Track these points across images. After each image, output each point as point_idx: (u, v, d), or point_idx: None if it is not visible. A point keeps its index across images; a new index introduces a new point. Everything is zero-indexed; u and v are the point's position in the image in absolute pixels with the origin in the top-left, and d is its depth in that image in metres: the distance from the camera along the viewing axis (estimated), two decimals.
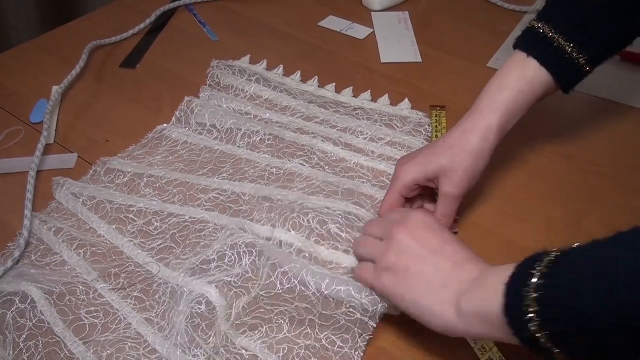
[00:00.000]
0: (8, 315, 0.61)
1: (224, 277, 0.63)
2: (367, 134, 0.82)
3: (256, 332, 0.61)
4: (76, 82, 0.94)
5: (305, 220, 0.68)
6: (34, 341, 0.61)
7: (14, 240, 0.71)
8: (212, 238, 0.70)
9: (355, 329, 0.61)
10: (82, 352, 0.60)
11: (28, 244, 0.71)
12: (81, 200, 0.75)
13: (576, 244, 0.49)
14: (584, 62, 0.67)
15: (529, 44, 0.68)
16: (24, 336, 0.61)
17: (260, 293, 0.63)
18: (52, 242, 0.70)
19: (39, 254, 0.70)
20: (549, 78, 0.68)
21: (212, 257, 0.65)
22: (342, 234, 0.67)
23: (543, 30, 0.67)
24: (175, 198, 0.75)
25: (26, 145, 0.84)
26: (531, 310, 0.46)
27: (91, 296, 0.65)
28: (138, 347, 0.61)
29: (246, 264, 0.64)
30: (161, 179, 0.77)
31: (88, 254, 0.69)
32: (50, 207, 0.75)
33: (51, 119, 0.87)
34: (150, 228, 0.72)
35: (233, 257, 0.65)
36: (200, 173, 0.78)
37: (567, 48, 0.67)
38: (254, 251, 0.64)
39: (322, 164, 0.78)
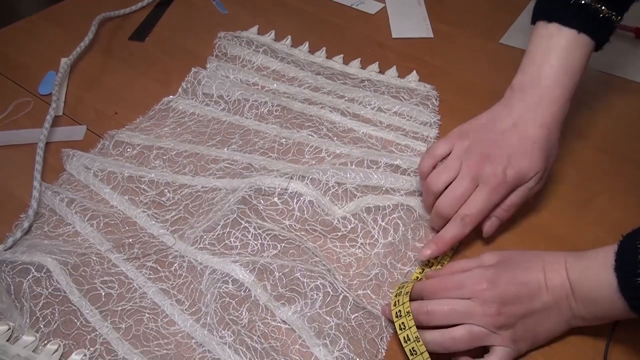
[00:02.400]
0: (24, 284, 0.62)
1: (246, 257, 0.64)
2: (374, 104, 0.82)
3: (293, 305, 0.61)
4: (85, 55, 0.94)
5: (324, 178, 0.69)
6: (50, 309, 0.62)
7: (25, 211, 0.72)
8: (224, 202, 0.70)
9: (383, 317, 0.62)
10: (99, 320, 0.61)
11: (41, 215, 0.72)
12: (92, 171, 0.75)
13: None
14: (614, 16, 0.68)
15: (560, 13, 0.67)
16: (40, 304, 0.62)
17: (297, 261, 0.64)
18: (65, 213, 0.71)
19: (52, 224, 0.71)
20: (589, 42, 0.68)
21: (222, 224, 0.67)
22: (357, 193, 0.69)
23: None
24: (186, 169, 0.76)
25: (35, 116, 0.84)
26: None
27: (105, 266, 0.66)
28: (156, 318, 0.62)
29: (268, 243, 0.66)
30: (170, 150, 0.77)
31: (101, 224, 0.70)
32: (61, 178, 0.76)
33: (60, 90, 0.87)
34: (163, 199, 0.72)
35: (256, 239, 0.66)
36: (209, 144, 0.79)
37: (606, 13, 0.67)
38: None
39: (330, 134, 0.79)
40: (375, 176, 0.71)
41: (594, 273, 0.54)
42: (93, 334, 0.61)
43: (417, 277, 0.64)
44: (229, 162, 0.76)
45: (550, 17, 0.68)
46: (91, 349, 0.60)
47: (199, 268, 0.65)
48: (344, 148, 0.77)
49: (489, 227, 0.66)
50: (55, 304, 0.62)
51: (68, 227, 0.70)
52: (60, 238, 0.69)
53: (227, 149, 0.78)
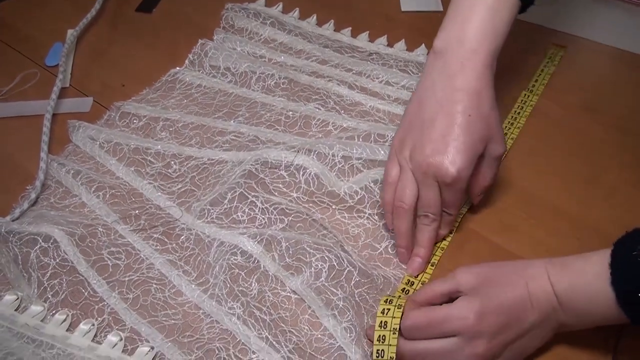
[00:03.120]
0: (32, 254, 0.62)
1: (253, 230, 0.65)
2: (382, 77, 0.82)
3: (300, 275, 0.62)
4: (91, 26, 0.94)
5: (330, 153, 0.69)
6: (57, 279, 0.62)
7: (32, 183, 0.72)
8: (231, 174, 0.70)
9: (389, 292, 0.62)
10: (106, 291, 0.62)
11: (47, 187, 0.72)
12: (98, 142, 0.75)
13: None
14: None
15: None
16: (48, 274, 0.62)
17: (304, 234, 0.64)
18: (71, 185, 0.71)
19: (58, 196, 0.71)
20: (514, 2, 0.63)
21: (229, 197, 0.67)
22: (363, 169, 0.69)
23: None
24: (192, 141, 0.75)
25: (41, 88, 0.84)
26: None
27: (112, 237, 0.66)
28: (163, 288, 0.62)
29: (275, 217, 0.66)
30: (177, 122, 0.77)
31: (107, 195, 0.70)
32: (67, 149, 0.76)
33: (66, 62, 0.86)
34: (169, 171, 0.72)
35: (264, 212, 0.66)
36: (216, 116, 0.78)
37: None
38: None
39: (337, 107, 0.78)
40: (382, 152, 0.70)
41: (587, 286, 0.51)
42: (101, 304, 0.61)
43: (404, 288, 0.62)
44: (236, 135, 0.76)
45: None
46: (99, 318, 0.60)
47: (206, 240, 0.65)
48: (351, 121, 0.77)
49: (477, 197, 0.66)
50: (62, 274, 0.62)
51: (74, 198, 0.71)
52: (67, 209, 0.69)
53: (234, 121, 0.77)
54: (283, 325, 0.59)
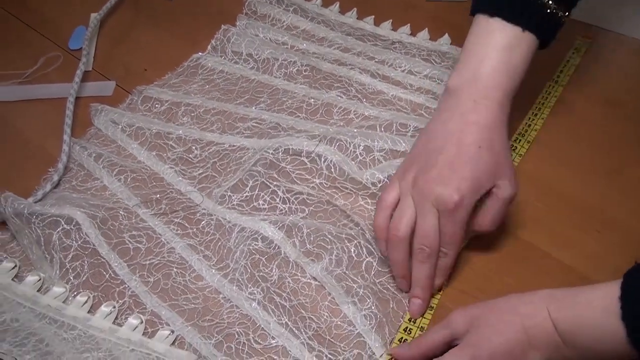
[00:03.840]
0: (54, 236, 0.63)
1: (275, 216, 0.65)
2: (405, 66, 0.81)
3: (321, 262, 0.62)
4: (114, 10, 0.94)
5: (352, 145, 0.69)
6: (79, 261, 0.62)
7: (54, 165, 0.72)
8: (252, 161, 0.70)
9: None
10: (127, 274, 0.62)
11: (69, 169, 0.72)
12: (120, 126, 0.75)
13: None
14: (561, 14, 0.63)
15: (503, 7, 0.61)
16: (70, 256, 0.62)
17: (326, 224, 0.65)
18: (93, 168, 0.72)
19: (80, 179, 0.71)
20: (537, 45, 0.62)
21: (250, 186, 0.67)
22: (384, 162, 0.68)
23: None
24: (213, 126, 0.76)
25: (64, 71, 0.84)
26: None
27: (133, 221, 0.66)
28: (184, 272, 0.63)
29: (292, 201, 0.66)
30: (198, 107, 0.77)
31: (129, 179, 0.70)
32: (89, 133, 0.76)
33: (89, 45, 0.86)
34: (190, 156, 0.73)
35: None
36: (238, 102, 0.78)
37: (554, 10, 0.62)
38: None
39: (359, 96, 0.78)
40: (404, 143, 0.70)
41: (593, 322, 0.48)
42: (122, 287, 0.61)
43: (401, 338, 0.58)
44: (257, 122, 0.76)
45: (492, 10, 0.61)
46: (120, 301, 0.60)
47: (227, 226, 0.65)
48: (372, 110, 0.76)
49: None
50: (84, 256, 0.63)
51: (96, 181, 0.71)
52: (89, 192, 0.70)
53: (255, 108, 0.77)
54: (303, 311, 0.59)
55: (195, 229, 0.66)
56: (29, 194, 0.69)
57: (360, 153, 0.69)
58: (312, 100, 0.78)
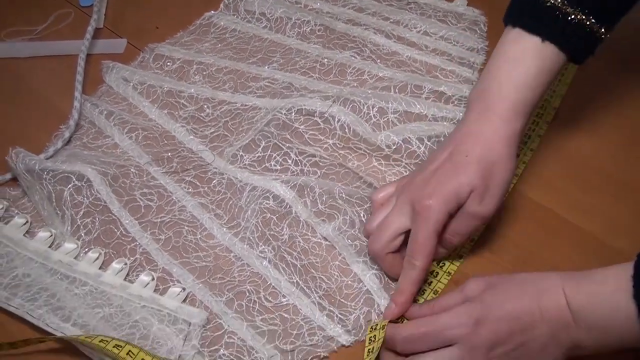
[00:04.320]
0: (65, 192, 0.63)
1: (286, 176, 0.65)
2: (420, 27, 0.80)
3: (333, 222, 0.61)
4: None
5: (365, 107, 0.68)
6: (90, 218, 0.62)
7: (65, 122, 0.72)
8: (264, 121, 0.70)
9: None
10: (138, 231, 0.62)
11: (80, 127, 0.72)
12: (131, 84, 0.75)
13: None
14: (602, 32, 0.58)
15: (540, 23, 0.57)
16: (81, 213, 0.62)
17: (338, 185, 0.64)
18: (104, 125, 0.71)
19: (91, 136, 0.71)
20: (563, 58, 0.58)
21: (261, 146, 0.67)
22: (398, 124, 0.67)
23: (554, 3, 0.57)
24: (225, 85, 0.75)
25: (75, 28, 0.83)
26: None
27: (144, 178, 0.66)
28: (195, 231, 0.62)
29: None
30: (211, 66, 0.76)
31: (140, 137, 0.70)
32: (100, 90, 0.76)
33: (101, 2, 0.85)
34: (202, 114, 0.72)
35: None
36: (250, 61, 0.77)
37: (586, 22, 0.57)
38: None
39: (373, 56, 0.77)
40: (418, 105, 0.69)
41: (606, 300, 0.47)
42: (133, 244, 0.61)
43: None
44: (270, 81, 0.75)
45: (515, 20, 0.59)
46: (131, 258, 0.60)
47: (238, 185, 0.65)
48: (387, 71, 0.75)
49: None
50: (95, 212, 0.63)
51: (107, 139, 0.70)
52: (100, 150, 0.69)
53: (268, 67, 0.76)
54: (313, 271, 0.59)
55: (206, 188, 0.65)
56: (40, 150, 0.69)
57: (374, 115, 0.68)
58: (326, 60, 0.77)
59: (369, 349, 0.53)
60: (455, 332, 0.50)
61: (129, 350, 0.52)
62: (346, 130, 0.67)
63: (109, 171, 0.65)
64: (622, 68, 0.76)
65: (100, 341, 0.51)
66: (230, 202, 0.64)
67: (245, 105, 0.73)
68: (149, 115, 0.73)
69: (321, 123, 0.68)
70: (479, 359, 0.50)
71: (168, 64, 0.77)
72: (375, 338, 0.53)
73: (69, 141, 0.70)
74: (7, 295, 0.57)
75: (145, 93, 0.74)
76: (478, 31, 0.80)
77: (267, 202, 0.62)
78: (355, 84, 0.74)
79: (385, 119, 0.68)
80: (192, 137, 0.70)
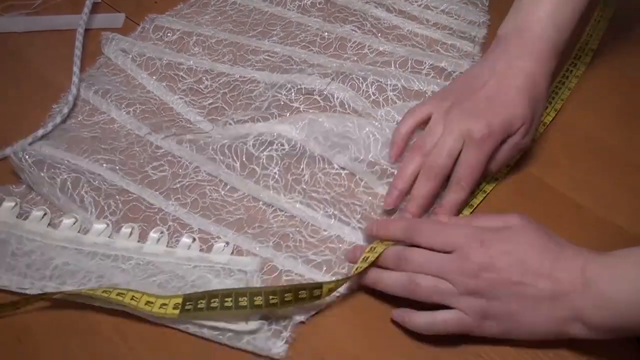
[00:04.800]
0: (82, 179, 0.61)
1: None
2: (421, 1, 0.79)
3: (348, 152, 0.62)
4: None
5: (364, 84, 0.68)
6: (112, 200, 0.61)
7: (64, 97, 0.71)
8: (263, 99, 0.69)
9: None
10: (162, 201, 0.61)
11: (74, 105, 0.70)
12: (130, 56, 0.74)
13: None
14: None
15: None
16: (102, 195, 0.61)
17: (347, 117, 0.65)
18: (99, 103, 0.70)
19: (85, 113, 0.69)
20: None
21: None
22: (397, 101, 0.67)
23: None
24: (225, 57, 0.74)
25: (73, 2, 0.82)
26: None
27: (149, 151, 0.65)
28: (217, 188, 0.62)
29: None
30: (210, 37, 0.76)
31: (137, 111, 0.69)
32: (98, 61, 0.75)
33: None
34: (201, 86, 0.71)
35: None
36: (250, 35, 0.77)
37: None
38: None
39: (374, 30, 0.76)
40: (417, 82, 0.69)
41: (623, 273, 0.46)
42: (161, 214, 0.60)
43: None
44: (269, 54, 0.74)
45: None
46: (164, 227, 0.59)
47: (242, 132, 0.65)
48: (387, 45, 0.75)
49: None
50: (115, 194, 0.61)
51: (103, 115, 0.69)
52: (96, 126, 0.68)
53: (268, 41, 0.76)
54: (343, 199, 0.61)
55: (207, 139, 0.65)
56: (38, 125, 0.68)
57: (373, 92, 0.68)
58: (326, 34, 0.76)
59: (364, 257, 0.53)
60: (458, 242, 0.50)
61: (133, 296, 0.51)
62: (346, 107, 0.67)
63: (114, 158, 0.64)
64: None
65: (103, 292, 0.51)
66: (237, 148, 0.63)
67: (244, 77, 0.72)
68: (147, 87, 0.72)
69: (321, 101, 0.68)
70: (467, 271, 0.49)
71: (168, 34, 0.77)
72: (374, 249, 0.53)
73: (68, 116, 0.69)
74: (56, 285, 0.55)
75: (144, 65, 0.73)
76: (479, 4, 0.80)
77: (283, 148, 0.63)
78: (355, 58, 0.74)
79: (385, 96, 0.68)
80: (190, 108, 0.69)
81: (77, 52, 0.75)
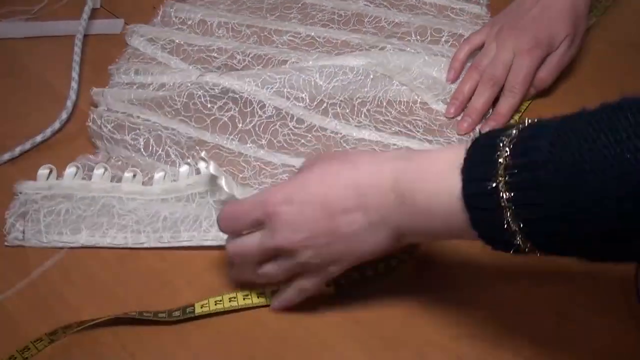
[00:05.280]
0: (162, 134, 0.61)
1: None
2: None
3: (407, 73, 0.66)
4: None
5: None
6: (194, 151, 0.61)
7: (63, 102, 0.68)
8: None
9: None
10: (238, 145, 0.62)
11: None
12: (159, 44, 0.73)
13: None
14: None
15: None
16: (185, 148, 0.61)
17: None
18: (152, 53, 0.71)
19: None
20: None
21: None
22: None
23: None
24: (250, 40, 0.74)
25: (72, 8, 0.79)
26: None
27: (213, 93, 0.64)
28: (285, 123, 0.63)
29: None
30: (232, 18, 0.76)
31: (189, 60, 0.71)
32: (126, 53, 0.73)
33: None
34: (234, 61, 0.71)
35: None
36: (269, 19, 0.77)
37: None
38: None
39: (385, 3, 0.79)
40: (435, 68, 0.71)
41: (435, 175, 0.41)
42: (241, 158, 0.61)
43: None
44: (292, 35, 0.75)
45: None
46: (249, 168, 0.60)
47: (306, 66, 0.66)
48: (402, 16, 0.77)
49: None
50: (195, 145, 0.62)
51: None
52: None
53: (288, 22, 0.76)
54: (405, 117, 0.65)
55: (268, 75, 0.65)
56: (38, 130, 0.65)
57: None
58: (342, 12, 0.78)
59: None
60: (256, 213, 0.46)
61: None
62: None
63: (176, 105, 0.64)
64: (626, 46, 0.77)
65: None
66: (306, 82, 0.65)
67: (274, 56, 0.71)
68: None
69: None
70: (284, 245, 0.46)
71: (189, 20, 0.76)
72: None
73: (67, 121, 0.67)
74: (172, 234, 0.55)
75: (175, 51, 0.72)
76: None
77: (347, 76, 0.65)
78: (373, 31, 0.76)
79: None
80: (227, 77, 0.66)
81: (76, 57, 0.73)
